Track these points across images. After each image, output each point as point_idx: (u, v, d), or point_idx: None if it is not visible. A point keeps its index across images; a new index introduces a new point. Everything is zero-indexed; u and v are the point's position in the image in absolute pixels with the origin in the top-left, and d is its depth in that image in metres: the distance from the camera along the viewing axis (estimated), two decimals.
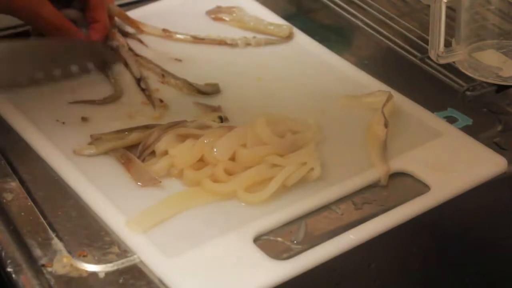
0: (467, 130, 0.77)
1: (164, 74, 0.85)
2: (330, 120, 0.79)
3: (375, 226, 0.66)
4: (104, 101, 0.82)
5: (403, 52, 0.90)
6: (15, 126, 0.78)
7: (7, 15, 0.84)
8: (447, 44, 0.82)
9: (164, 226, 0.66)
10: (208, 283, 0.61)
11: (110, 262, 0.64)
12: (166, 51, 0.90)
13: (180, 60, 0.89)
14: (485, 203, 0.74)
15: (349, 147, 0.75)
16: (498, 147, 0.76)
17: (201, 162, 0.71)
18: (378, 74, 0.85)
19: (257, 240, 0.65)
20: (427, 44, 0.83)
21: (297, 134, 0.74)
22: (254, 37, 0.92)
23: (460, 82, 0.84)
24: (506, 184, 0.74)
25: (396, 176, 0.72)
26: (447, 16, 0.80)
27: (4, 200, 0.70)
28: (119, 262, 0.64)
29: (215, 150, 0.71)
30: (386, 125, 0.75)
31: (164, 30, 0.93)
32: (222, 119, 0.78)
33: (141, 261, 0.64)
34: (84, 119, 0.79)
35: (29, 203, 0.69)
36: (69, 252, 0.64)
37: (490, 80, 0.83)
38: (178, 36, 0.92)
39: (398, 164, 0.73)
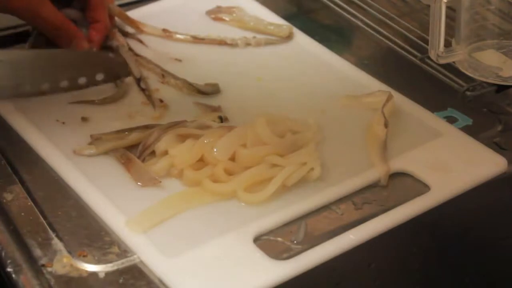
0: (467, 130, 0.77)
1: (164, 74, 0.85)
2: (330, 120, 0.79)
3: (375, 226, 0.66)
4: (105, 101, 0.82)
5: (403, 52, 0.90)
6: (15, 126, 0.78)
7: (7, 14, 0.84)
8: (447, 44, 0.82)
9: (164, 226, 0.66)
10: (208, 283, 0.61)
11: (110, 262, 0.64)
12: (166, 51, 0.90)
13: (180, 60, 0.89)
14: (485, 203, 0.74)
15: (349, 147, 0.75)
16: (498, 147, 0.76)
17: (201, 162, 0.71)
18: (378, 74, 0.85)
19: (257, 240, 0.65)
20: (427, 44, 0.83)
21: (297, 134, 0.74)
22: (254, 37, 0.92)
23: (460, 82, 0.84)
24: (506, 184, 0.74)
25: (396, 176, 0.72)
26: (447, 16, 0.80)
27: (4, 200, 0.70)
28: (119, 262, 0.64)
29: (215, 150, 0.71)
30: (386, 125, 0.75)
31: (164, 30, 0.93)
32: (222, 119, 0.78)
33: (141, 261, 0.64)
34: (84, 119, 0.79)
35: (29, 203, 0.69)
36: (69, 252, 0.64)
37: (490, 80, 0.83)
38: (178, 36, 0.92)
39: (398, 164, 0.73)
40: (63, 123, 0.78)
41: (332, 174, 0.71)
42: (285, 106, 0.81)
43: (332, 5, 1.00)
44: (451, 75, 0.85)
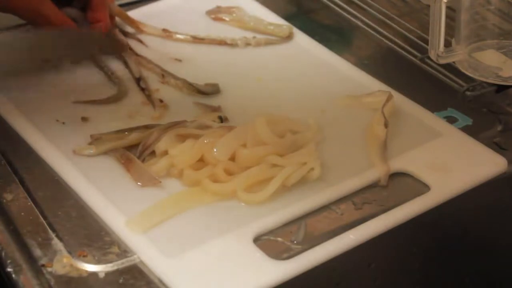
0: (467, 130, 0.77)
1: (164, 74, 0.85)
2: (330, 120, 0.79)
3: (375, 226, 0.66)
4: (106, 101, 0.82)
5: (403, 52, 0.90)
6: (15, 126, 0.78)
7: (8, 14, 0.84)
8: (447, 44, 0.82)
9: (164, 226, 0.66)
10: (208, 283, 0.61)
11: (110, 262, 0.64)
12: (166, 51, 0.90)
13: (180, 60, 0.89)
14: (485, 203, 0.74)
15: (349, 147, 0.75)
16: (498, 147, 0.76)
17: (201, 162, 0.71)
18: (378, 74, 0.85)
19: (257, 240, 0.65)
20: (427, 44, 0.83)
21: (297, 134, 0.74)
22: (254, 37, 0.92)
23: (460, 82, 0.84)
24: (506, 184, 0.74)
25: (396, 176, 0.72)
26: (447, 16, 0.80)
27: (4, 200, 0.70)
28: (119, 262, 0.64)
29: (215, 150, 0.71)
30: (386, 125, 0.75)
31: (164, 30, 0.93)
32: (222, 119, 0.78)
33: (141, 261, 0.64)
34: (84, 119, 0.79)
35: (29, 203, 0.69)
36: (69, 252, 0.64)
37: (490, 80, 0.83)
38: (178, 36, 0.92)
39: (398, 164, 0.73)
40: (63, 123, 0.78)
41: (332, 174, 0.71)
42: (285, 106, 0.81)
43: (332, 5, 1.00)
44: (451, 75, 0.85)
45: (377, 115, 0.77)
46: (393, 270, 0.72)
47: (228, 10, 0.96)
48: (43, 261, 0.63)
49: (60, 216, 0.68)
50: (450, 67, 0.85)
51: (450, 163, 0.72)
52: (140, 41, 0.92)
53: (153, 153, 0.73)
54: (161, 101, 0.81)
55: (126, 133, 0.75)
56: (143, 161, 0.72)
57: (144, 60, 0.88)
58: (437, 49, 0.81)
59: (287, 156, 0.71)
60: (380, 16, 0.96)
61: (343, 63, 0.88)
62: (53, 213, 0.68)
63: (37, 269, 0.63)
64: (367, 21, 0.95)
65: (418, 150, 0.74)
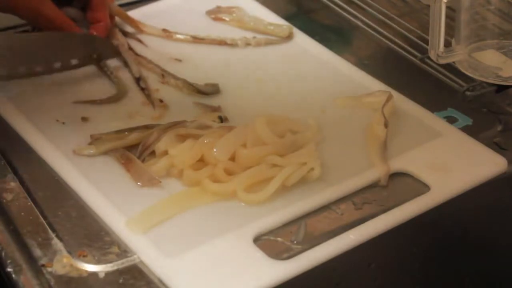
0: (467, 130, 0.77)
1: (164, 74, 0.85)
2: (330, 120, 0.79)
3: (375, 226, 0.66)
4: (106, 101, 0.82)
5: (403, 52, 0.90)
6: (15, 126, 0.78)
7: (8, 14, 0.84)
8: (447, 44, 0.82)
9: (164, 226, 0.66)
10: (208, 283, 0.61)
11: (110, 262, 0.63)
12: (166, 51, 0.90)
13: (180, 60, 0.89)
14: (485, 203, 0.74)
15: (349, 147, 0.75)
16: (498, 147, 0.76)
17: (201, 162, 0.71)
18: (378, 74, 0.85)
19: (257, 240, 0.65)
20: (427, 44, 0.83)
21: (297, 134, 0.74)
22: (254, 37, 0.92)
23: (460, 82, 0.84)
24: (506, 184, 0.74)
25: (396, 176, 0.72)
26: (447, 16, 0.80)
27: (4, 200, 0.70)
28: (119, 262, 0.64)
29: (215, 150, 0.71)
30: (386, 125, 0.75)
31: (164, 30, 0.93)
32: (222, 119, 0.78)
33: (141, 261, 0.64)
34: (84, 119, 0.79)
35: (29, 203, 0.69)
36: (69, 252, 0.64)
37: (490, 80, 0.83)
38: (178, 36, 0.92)
39: (398, 164, 0.73)
40: (63, 123, 0.78)
41: (332, 174, 0.71)
42: (285, 106, 0.81)
43: (332, 5, 1.00)
44: (451, 75, 0.85)
45: (377, 115, 0.77)
46: (393, 270, 0.72)
47: (228, 10, 0.96)
48: (43, 261, 0.63)
49: (60, 216, 0.68)
50: (450, 67, 0.85)
51: (450, 163, 0.72)
52: (140, 41, 0.92)
53: (153, 153, 0.73)
54: (161, 101, 0.81)
55: (126, 133, 0.75)
56: (143, 161, 0.72)
57: (144, 60, 0.88)
58: (437, 49, 0.81)
59: (287, 156, 0.71)
60: (380, 16, 0.96)
61: (343, 63, 0.88)
62: (53, 213, 0.68)
63: (37, 269, 0.63)
64: (367, 21, 0.95)
65: (418, 150, 0.74)
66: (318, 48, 0.91)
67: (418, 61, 0.88)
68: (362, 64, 0.89)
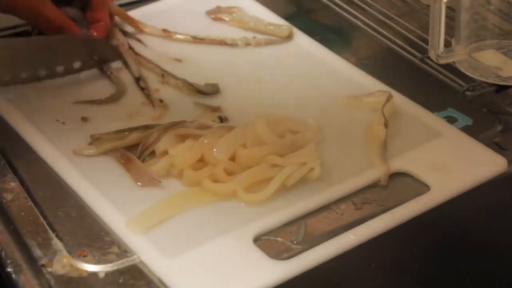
0: (467, 130, 0.77)
1: (164, 74, 0.85)
2: (330, 120, 0.79)
3: (375, 226, 0.66)
4: (106, 101, 0.82)
5: (403, 52, 0.90)
6: (15, 126, 0.78)
7: (8, 14, 0.84)
8: (447, 44, 0.82)
9: (164, 226, 0.66)
10: (208, 283, 0.61)
11: (110, 262, 0.64)
12: (166, 51, 0.90)
13: (180, 60, 0.89)
14: (485, 203, 0.74)
15: (349, 147, 0.75)
16: (498, 147, 0.76)
17: (201, 162, 0.71)
18: (378, 74, 0.85)
19: (257, 240, 0.65)
20: (427, 44, 0.83)
21: (297, 134, 0.74)
22: (254, 37, 0.92)
23: (460, 82, 0.84)
24: (506, 184, 0.74)
25: (396, 176, 0.72)
26: (447, 16, 0.80)
27: (4, 200, 0.70)
28: (119, 262, 0.64)
29: (215, 150, 0.71)
30: (386, 125, 0.75)
31: (164, 30, 0.93)
32: (222, 119, 0.78)
33: (141, 261, 0.64)
34: (84, 119, 0.79)
35: (29, 203, 0.69)
36: (69, 252, 0.64)
37: (490, 80, 0.83)
38: (178, 36, 0.92)
39: (398, 164, 0.73)
40: (63, 123, 0.78)
41: (332, 174, 0.71)
42: (285, 106, 0.81)
43: (332, 5, 1.00)
44: (451, 75, 0.85)
45: (377, 115, 0.77)
46: (393, 270, 0.72)
47: (228, 10, 0.96)
48: (43, 261, 0.63)
49: (60, 216, 0.68)
50: (450, 67, 0.85)
51: (450, 163, 0.72)
52: (140, 41, 0.92)
53: (153, 153, 0.73)
54: (161, 101, 0.82)
55: (126, 133, 0.75)
56: (143, 161, 0.72)
57: (144, 60, 0.88)
58: (437, 49, 0.81)
59: (287, 156, 0.71)
60: (380, 16, 0.96)
61: (343, 63, 0.88)
62: (53, 213, 0.68)
63: (37, 269, 0.63)
64: (367, 21, 0.95)
65: (418, 150, 0.74)
66: (318, 48, 0.91)
67: (418, 61, 0.88)
68: (362, 64, 0.89)
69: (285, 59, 0.89)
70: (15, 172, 0.73)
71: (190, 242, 0.64)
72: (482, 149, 0.74)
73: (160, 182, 0.70)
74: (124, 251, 0.65)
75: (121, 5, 0.95)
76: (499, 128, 0.79)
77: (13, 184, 0.71)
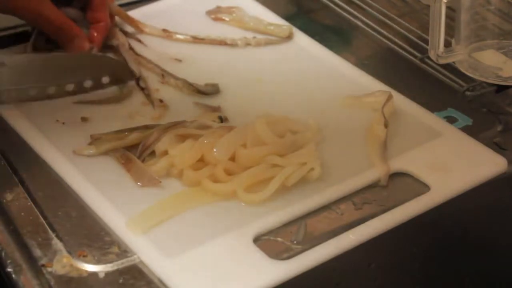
0: (467, 130, 0.77)
1: (164, 74, 0.85)
2: (330, 120, 0.78)
3: (375, 226, 0.66)
4: (106, 101, 0.82)
5: (403, 52, 0.90)
6: (15, 126, 0.78)
7: (8, 14, 0.84)
8: (447, 44, 0.82)
9: (164, 226, 0.66)
10: (208, 283, 0.61)
11: (110, 262, 0.64)
12: (166, 51, 0.90)
13: (180, 60, 0.89)
14: (485, 203, 0.74)
15: (349, 147, 0.75)
16: (498, 147, 0.76)
17: (201, 162, 0.71)
18: (378, 74, 0.85)
19: (257, 240, 0.65)
20: (427, 44, 0.83)
21: (297, 134, 0.74)
22: (254, 37, 0.92)
23: (460, 82, 0.84)
24: (506, 184, 0.74)
25: (396, 176, 0.72)
26: (447, 16, 0.80)
27: (4, 200, 0.70)
28: (119, 262, 0.64)
29: (215, 150, 0.71)
30: (386, 125, 0.75)
31: (164, 30, 0.93)
32: (222, 119, 0.78)
33: (141, 261, 0.64)
34: (84, 119, 0.79)
35: (29, 203, 0.69)
36: (69, 252, 0.64)
37: (490, 80, 0.83)
38: (178, 36, 0.92)
39: (398, 164, 0.73)
40: (63, 123, 0.78)
41: (332, 174, 0.71)
42: (285, 106, 0.81)
43: (332, 5, 1.00)
44: (451, 75, 0.85)
45: (377, 115, 0.77)
46: (393, 270, 0.72)
47: (228, 10, 0.96)
48: (43, 261, 0.63)
49: (60, 216, 0.68)
50: (450, 67, 0.85)
51: (450, 163, 0.72)
52: (140, 41, 0.92)
53: (153, 153, 0.73)
54: (161, 101, 0.82)
55: (126, 133, 0.75)
56: (143, 161, 0.72)
57: (144, 60, 0.88)
58: (437, 49, 0.81)
59: (287, 156, 0.71)
60: (380, 16, 0.96)
61: (343, 63, 0.88)
62: (53, 213, 0.68)
63: (37, 269, 0.63)
64: (367, 21, 0.95)
65: (418, 150, 0.74)
66: (318, 48, 0.91)
67: (418, 61, 0.88)
68: (362, 64, 0.89)
69: (285, 59, 0.89)
70: (15, 172, 0.73)
71: (190, 242, 0.64)
72: (482, 149, 0.74)
73: (160, 182, 0.70)
74: (124, 251, 0.65)
75: (121, 5, 0.95)
76: (499, 128, 0.79)
77: (13, 184, 0.71)
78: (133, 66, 0.86)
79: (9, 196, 0.70)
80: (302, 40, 0.92)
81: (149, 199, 0.68)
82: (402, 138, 0.76)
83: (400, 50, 0.90)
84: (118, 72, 0.84)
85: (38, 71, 0.80)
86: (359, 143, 0.75)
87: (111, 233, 0.66)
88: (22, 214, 0.68)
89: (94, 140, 0.75)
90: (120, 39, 0.89)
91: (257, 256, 0.63)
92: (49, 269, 0.63)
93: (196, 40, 0.92)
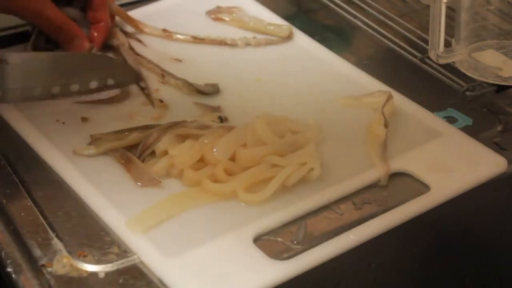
0: (467, 130, 0.77)
1: (164, 74, 0.85)
2: (330, 120, 0.79)
3: (375, 226, 0.66)
4: (106, 101, 0.81)
5: (403, 52, 0.90)
6: (15, 126, 0.78)
7: (8, 14, 0.84)
8: (447, 44, 0.82)
9: (164, 226, 0.66)
10: (208, 283, 0.61)
11: (110, 262, 0.64)
12: (166, 51, 0.90)
13: (180, 60, 0.89)
14: (485, 203, 0.74)
15: (349, 147, 0.75)
16: (498, 147, 0.76)
17: (201, 162, 0.71)
18: (378, 74, 0.85)
19: (257, 240, 0.65)
20: (427, 44, 0.83)
21: (297, 134, 0.74)
22: (254, 37, 0.92)
23: (460, 82, 0.84)
24: (506, 184, 0.74)
25: (396, 176, 0.72)
26: (447, 16, 0.80)
27: (4, 200, 0.70)
28: (119, 262, 0.64)
29: (215, 150, 0.71)
30: (386, 125, 0.75)
31: (164, 30, 0.93)
32: (222, 119, 0.78)
33: (141, 261, 0.64)
34: (84, 119, 0.79)
35: (29, 203, 0.69)
36: (69, 252, 0.64)
37: (490, 80, 0.83)
38: (178, 36, 0.92)
39: (398, 164, 0.73)
40: (63, 123, 0.78)
41: (332, 174, 0.71)
42: (285, 106, 0.81)
43: (332, 5, 1.00)
44: (451, 75, 0.85)
45: (377, 115, 0.77)
46: (393, 270, 0.72)
47: (228, 10, 0.96)
48: (43, 261, 0.63)
49: (60, 216, 0.68)
50: (450, 67, 0.85)
51: (450, 163, 0.72)
52: (140, 41, 0.92)
53: (153, 153, 0.73)
54: (161, 101, 0.82)
55: (126, 133, 0.75)
56: (143, 161, 0.72)
57: (144, 60, 0.88)
58: (437, 49, 0.81)
59: (287, 156, 0.71)
60: (380, 16, 0.96)
61: (343, 63, 0.88)
62: (53, 213, 0.68)
63: (37, 269, 0.63)
64: (367, 21, 0.95)
65: (418, 150, 0.74)
66: (318, 48, 0.91)
67: (418, 61, 0.88)
68: (362, 64, 0.89)
69: (285, 59, 0.89)
70: (15, 172, 0.73)
71: (190, 242, 0.64)
72: (482, 149, 0.74)
73: (160, 182, 0.70)
74: (124, 251, 0.65)
75: (121, 5, 0.95)
76: (499, 128, 0.79)
77: (13, 184, 0.71)
78: (133, 66, 0.86)
79: (9, 196, 0.70)
80: (302, 40, 0.92)
81: (149, 199, 0.68)
82: (402, 138, 0.76)
83: (400, 50, 0.90)
84: (124, 74, 0.83)
85: (44, 70, 0.79)
86: (359, 143, 0.75)
87: (111, 233, 0.66)
88: (22, 214, 0.68)
89: (94, 140, 0.75)
90: (120, 39, 0.89)
91: (257, 256, 0.63)
92: (49, 269, 0.63)
93: (196, 40, 0.92)
